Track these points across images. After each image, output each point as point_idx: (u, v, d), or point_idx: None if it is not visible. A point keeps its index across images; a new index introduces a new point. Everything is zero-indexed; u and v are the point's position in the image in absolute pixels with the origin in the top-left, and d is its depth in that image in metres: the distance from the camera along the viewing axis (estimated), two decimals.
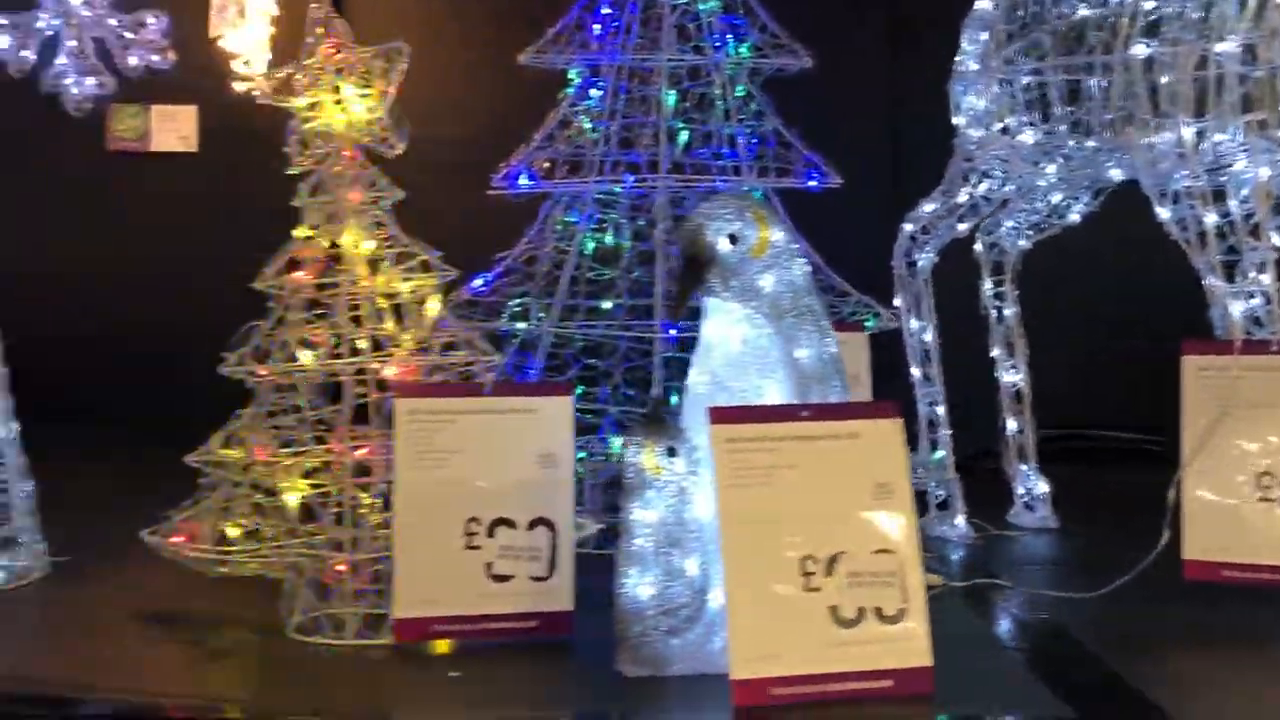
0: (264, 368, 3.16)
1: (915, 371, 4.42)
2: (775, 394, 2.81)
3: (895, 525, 2.71)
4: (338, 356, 3.16)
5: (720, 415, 2.71)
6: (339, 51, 3.14)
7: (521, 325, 4.19)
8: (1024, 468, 4.49)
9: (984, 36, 4.11)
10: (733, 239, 2.80)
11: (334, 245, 3.19)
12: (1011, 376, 4.49)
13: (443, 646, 3.07)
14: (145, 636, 3.20)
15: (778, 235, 2.85)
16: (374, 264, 3.19)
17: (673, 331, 4.08)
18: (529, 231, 4.32)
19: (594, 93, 4.25)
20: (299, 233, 3.23)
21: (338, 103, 3.13)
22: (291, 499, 3.10)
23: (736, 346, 2.83)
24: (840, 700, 2.61)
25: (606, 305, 4.18)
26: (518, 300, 4.24)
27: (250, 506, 3.16)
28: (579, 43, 4.22)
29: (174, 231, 5.64)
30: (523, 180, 4.23)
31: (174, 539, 3.18)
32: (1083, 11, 3.78)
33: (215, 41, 4.87)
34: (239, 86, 4.87)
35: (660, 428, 2.80)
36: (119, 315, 5.51)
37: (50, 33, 4.05)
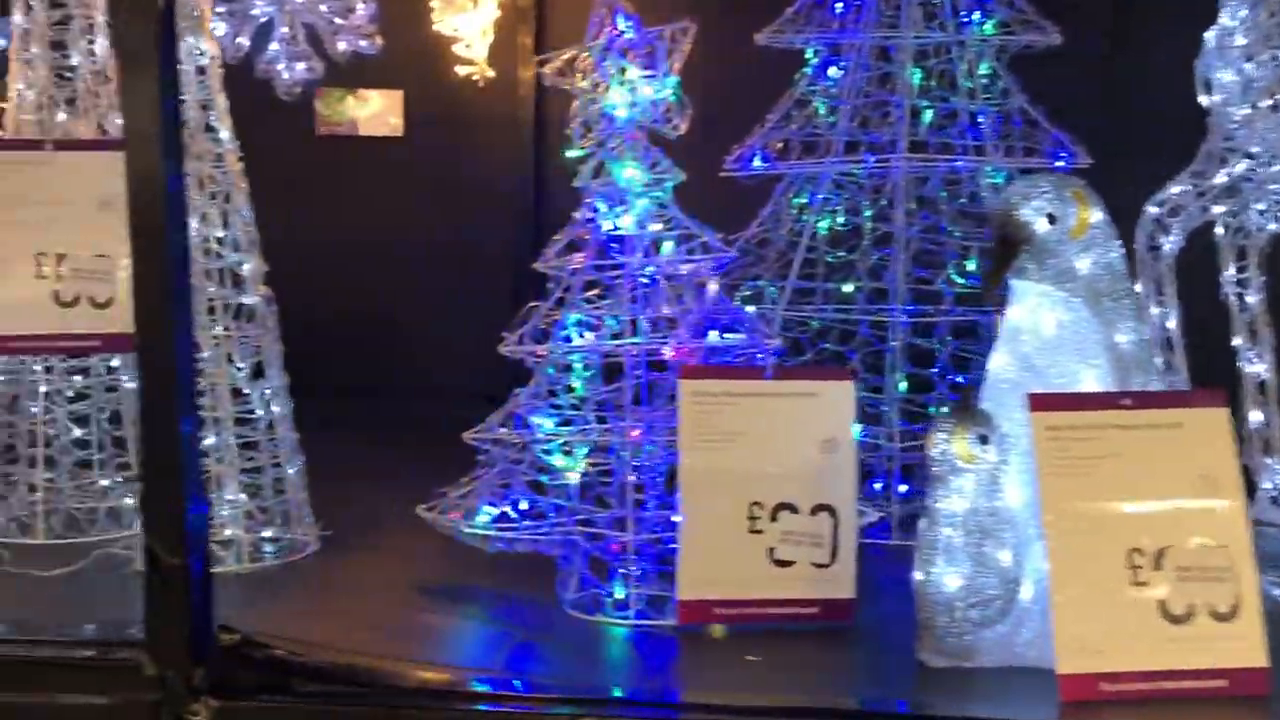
0: (543, 348, 3.18)
1: (1157, 360, 4.26)
2: (1093, 381, 2.72)
3: (1225, 519, 2.60)
4: (617, 337, 3.16)
5: (1040, 402, 2.63)
6: (625, 32, 3.13)
7: (753, 308, 4.15)
8: (1269, 461, 4.29)
9: (1244, 11, 3.92)
10: (1051, 219, 2.72)
11: (615, 226, 3.18)
12: (1255, 367, 4.29)
13: (718, 629, 3.07)
14: (422, 610, 3.25)
15: (1098, 216, 2.76)
16: (655, 244, 3.18)
17: (904, 317, 3.99)
18: (762, 213, 4.27)
19: (833, 72, 4.17)
20: (580, 214, 3.24)
21: (623, 84, 3.11)
22: (572, 477, 3.12)
23: (1050, 330, 2.75)
24: (1171, 699, 2.53)
25: (848, 289, 4.11)
26: (750, 282, 4.20)
27: (528, 484, 3.19)
28: (818, 21, 4.14)
29: (390, 213, 5.73)
30: (756, 162, 4.17)
31: (451, 515, 3.23)
32: None
33: (435, 26, 4.92)
34: (461, 70, 4.91)
35: (972, 414, 2.73)
36: (368, 293, 5.63)
37: (264, 19, 4.13)
